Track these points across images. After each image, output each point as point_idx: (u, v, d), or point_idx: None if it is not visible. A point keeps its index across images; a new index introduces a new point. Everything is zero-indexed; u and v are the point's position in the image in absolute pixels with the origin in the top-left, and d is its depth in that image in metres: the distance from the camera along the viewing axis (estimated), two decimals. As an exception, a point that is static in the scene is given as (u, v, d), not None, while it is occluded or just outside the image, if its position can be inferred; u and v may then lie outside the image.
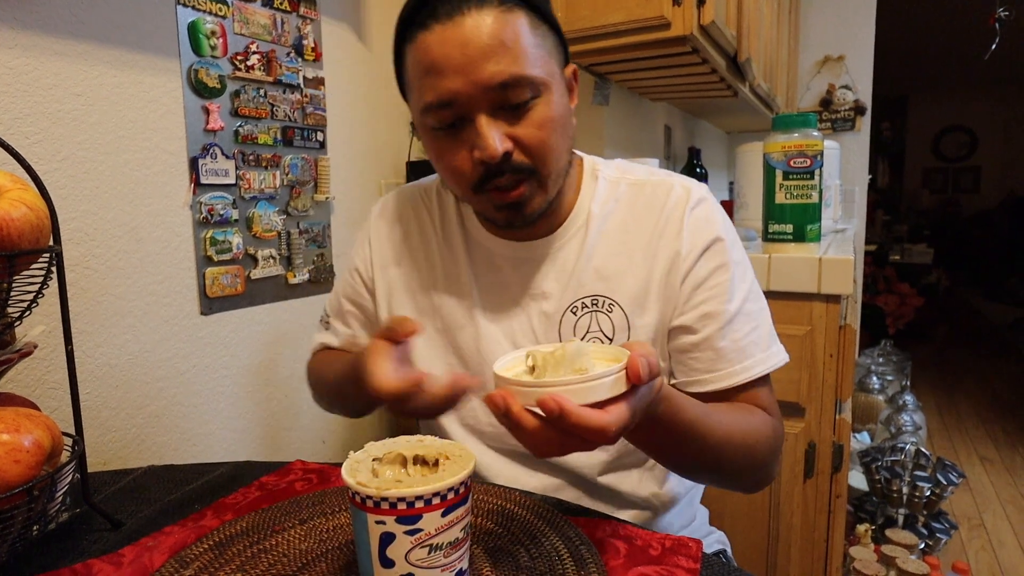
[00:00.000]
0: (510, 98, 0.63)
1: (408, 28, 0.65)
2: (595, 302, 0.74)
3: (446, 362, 0.80)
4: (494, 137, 0.63)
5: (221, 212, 1.09)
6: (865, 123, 2.95)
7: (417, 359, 0.76)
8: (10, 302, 0.57)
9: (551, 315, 0.75)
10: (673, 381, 0.74)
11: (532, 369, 0.51)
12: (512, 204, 0.68)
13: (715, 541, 0.90)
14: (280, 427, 1.26)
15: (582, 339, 0.73)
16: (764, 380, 0.72)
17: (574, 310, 0.74)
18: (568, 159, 0.71)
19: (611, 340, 0.73)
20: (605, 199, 0.76)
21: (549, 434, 0.45)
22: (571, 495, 0.76)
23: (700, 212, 0.73)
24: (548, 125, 0.65)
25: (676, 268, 0.71)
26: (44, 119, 0.87)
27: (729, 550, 0.91)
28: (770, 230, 1.38)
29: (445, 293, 0.80)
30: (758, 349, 0.71)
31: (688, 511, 0.86)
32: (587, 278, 0.75)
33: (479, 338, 0.77)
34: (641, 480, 0.77)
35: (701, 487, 0.89)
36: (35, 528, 0.57)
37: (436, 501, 0.44)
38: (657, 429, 0.55)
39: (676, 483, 0.80)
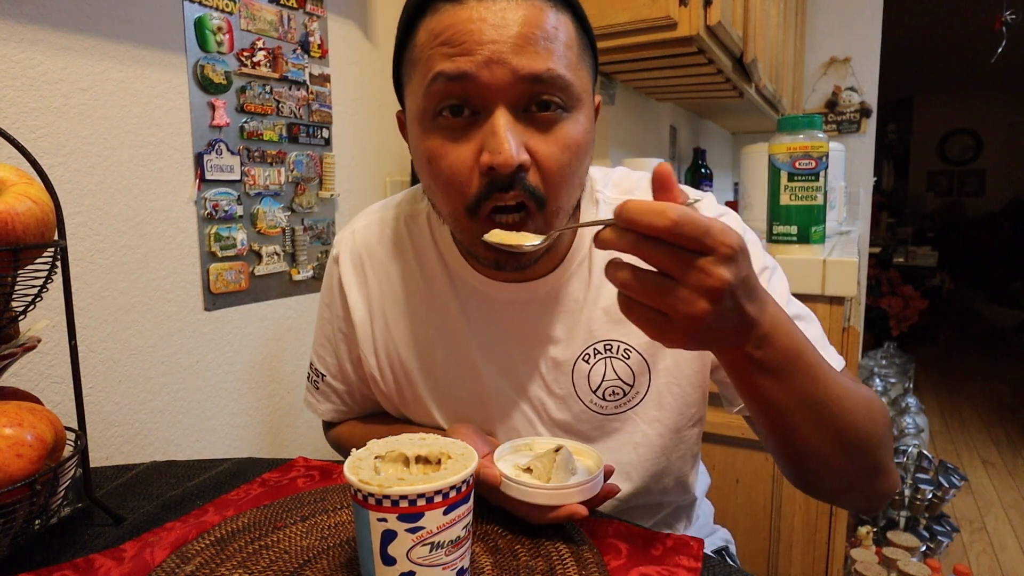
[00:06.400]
0: (539, 95, 0.53)
1: (429, 3, 0.55)
2: (608, 347, 0.66)
3: (448, 425, 0.71)
4: (511, 141, 0.52)
5: (226, 208, 1.09)
6: (870, 125, 2.95)
7: (418, 422, 0.74)
8: (14, 296, 0.57)
9: (562, 363, 0.67)
10: (736, 409, 0.66)
11: (528, 470, 0.58)
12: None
13: (718, 539, 0.89)
14: (283, 424, 1.26)
15: (597, 388, 0.67)
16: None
17: (586, 358, 0.67)
18: (577, 199, 0.62)
19: (631, 387, 0.67)
20: None
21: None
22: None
23: None
24: (572, 148, 0.56)
25: None
26: (50, 113, 0.87)
27: (733, 547, 0.91)
28: (774, 231, 1.37)
29: (437, 346, 0.70)
30: (825, 343, 0.64)
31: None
32: (596, 321, 0.66)
33: (484, 392, 0.69)
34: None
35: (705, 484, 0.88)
36: (37, 522, 0.57)
37: (438, 499, 0.44)
38: (768, 349, 0.46)
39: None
